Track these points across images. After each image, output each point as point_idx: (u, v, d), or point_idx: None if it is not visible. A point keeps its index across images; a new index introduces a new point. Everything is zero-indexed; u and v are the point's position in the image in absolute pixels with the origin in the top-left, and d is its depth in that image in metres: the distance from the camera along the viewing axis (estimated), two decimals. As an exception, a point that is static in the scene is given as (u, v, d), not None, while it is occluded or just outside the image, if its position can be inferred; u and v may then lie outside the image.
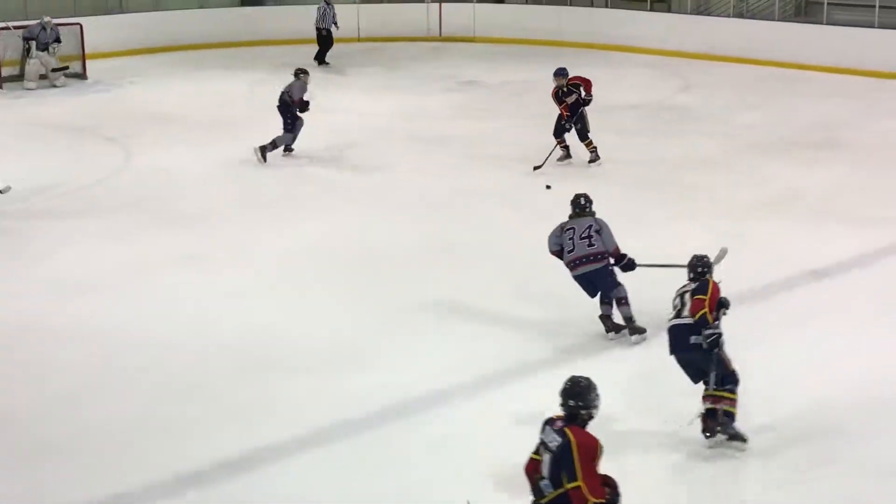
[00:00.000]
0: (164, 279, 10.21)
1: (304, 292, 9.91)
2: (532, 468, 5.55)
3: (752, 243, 10.63)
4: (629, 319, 8.70)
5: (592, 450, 5.32)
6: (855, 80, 19.44)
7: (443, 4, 24.43)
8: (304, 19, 24.37)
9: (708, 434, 7.05)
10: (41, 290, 9.98)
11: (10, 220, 11.76)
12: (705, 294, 7.07)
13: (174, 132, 16.07)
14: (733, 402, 7.01)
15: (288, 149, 14.33)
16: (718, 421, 7.01)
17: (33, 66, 19.12)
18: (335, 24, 21.99)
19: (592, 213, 8.87)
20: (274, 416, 7.67)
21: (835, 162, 14.15)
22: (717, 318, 7.05)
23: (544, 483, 5.40)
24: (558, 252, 8.83)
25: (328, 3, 22.11)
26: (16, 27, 19.83)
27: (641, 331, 8.68)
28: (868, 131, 15.83)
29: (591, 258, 8.65)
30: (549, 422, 5.50)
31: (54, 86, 19.16)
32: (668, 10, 23.90)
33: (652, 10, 23.29)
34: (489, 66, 21.27)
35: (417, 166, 14.14)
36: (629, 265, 8.82)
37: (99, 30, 20.25)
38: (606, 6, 24.07)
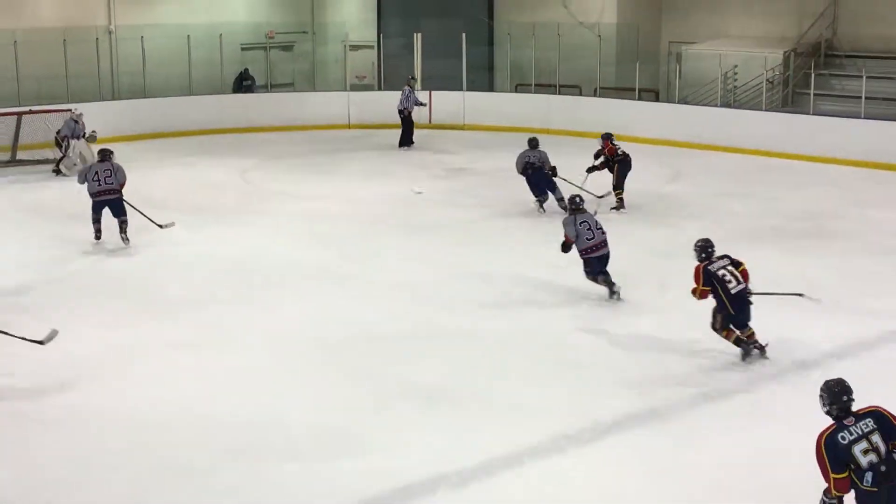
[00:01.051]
0: (153, 364, 10.19)
1: (295, 375, 9.90)
2: (847, 485, 5.87)
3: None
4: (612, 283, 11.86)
5: None
6: (841, 169, 19.74)
7: (433, 92, 24.81)
8: (293, 107, 24.83)
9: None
10: (30, 374, 9.94)
11: (-1, 304, 11.76)
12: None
13: (164, 217, 16.14)
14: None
15: None
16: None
17: (72, 157, 19.39)
18: (419, 104, 22.51)
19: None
20: (265, 501, 7.61)
21: (823, 250, 14.29)
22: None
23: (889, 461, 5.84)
24: (575, 237, 11.70)
25: (410, 87, 22.48)
26: (36, 112, 20.28)
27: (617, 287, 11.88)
28: (854, 220, 16.03)
29: (605, 243, 11.85)
30: (842, 427, 5.92)
31: (60, 172, 19.36)
32: (657, 100, 24.31)
33: (640, 99, 23.67)
34: (478, 154, 21.52)
35: (406, 252, 14.23)
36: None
37: (91, 115, 20.42)
38: (594, 95, 24.47)
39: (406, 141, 22.38)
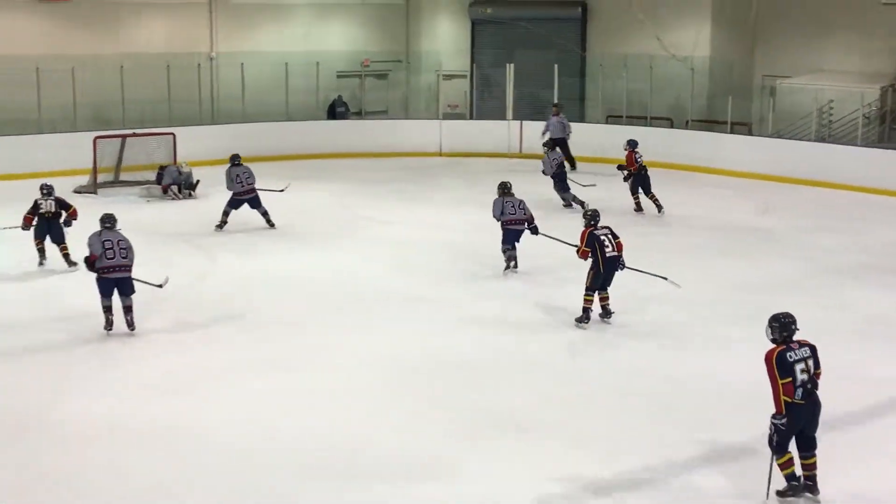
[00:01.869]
0: (244, 384, 10.43)
1: (383, 399, 10.05)
2: (792, 390, 7.66)
3: (835, 368, 10.52)
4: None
5: None
6: (938, 206, 19.37)
7: (523, 122, 24.95)
8: (386, 134, 25.18)
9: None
10: (127, 391, 10.27)
11: (100, 323, 12.11)
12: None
13: (259, 240, 16.53)
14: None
15: None
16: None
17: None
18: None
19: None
20: (349, 522, 7.74)
21: (916, 288, 14.05)
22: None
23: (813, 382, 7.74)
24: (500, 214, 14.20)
25: (559, 114, 23.17)
26: (138, 135, 20.95)
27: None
28: (951, 258, 15.72)
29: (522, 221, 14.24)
30: (789, 349, 7.73)
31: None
32: (749, 134, 24.11)
33: (732, 132, 23.51)
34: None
35: (496, 282, 14.30)
36: (535, 230, 14.36)
37: (191, 139, 21.00)
38: (686, 127, 24.36)
39: (573, 163, 22.81)
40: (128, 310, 11.89)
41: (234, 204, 17.14)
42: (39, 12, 24.08)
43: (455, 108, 27.74)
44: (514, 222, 14.37)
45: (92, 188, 20.14)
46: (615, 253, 12.07)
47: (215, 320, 12.50)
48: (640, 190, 18.56)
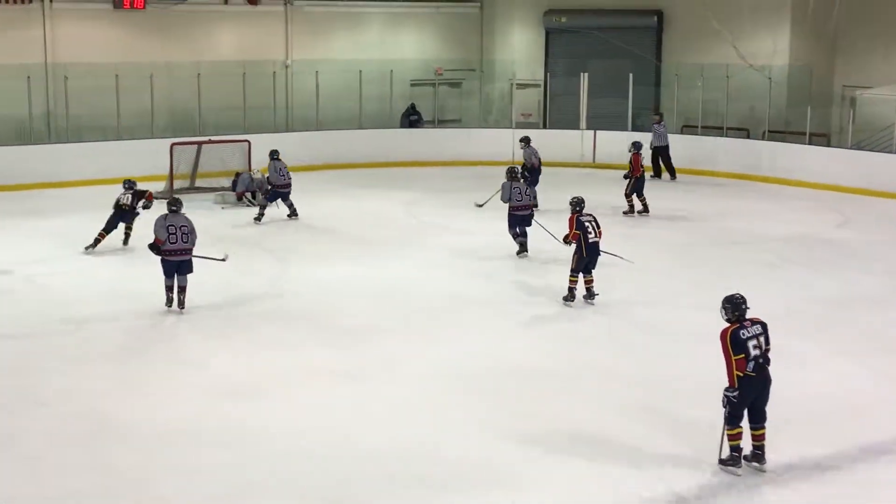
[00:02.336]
0: (315, 390, 10.46)
1: (453, 407, 9.99)
2: (744, 365, 8.31)
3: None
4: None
5: None
6: None
7: (597, 132, 24.79)
8: (459, 142, 25.19)
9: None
10: (196, 394, 10.33)
11: (170, 325, 12.22)
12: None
13: (331, 248, 16.59)
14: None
15: None
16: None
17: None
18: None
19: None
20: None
21: None
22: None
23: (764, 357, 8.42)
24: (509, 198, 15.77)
25: (661, 122, 23.12)
26: (214, 142, 21.26)
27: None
28: None
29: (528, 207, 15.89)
30: (742, 327, 8.38)
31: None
32: (828, 145, 23.68)
33: (810, 143, 23.11)
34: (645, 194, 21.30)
35: (562, 291, 14.16)
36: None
37: (265, 146, 21.09)
38: (763, 138, 24.01)
39: (660, 173, 22.80)
40: (182, 290, 12.79)
41: (272, 196, 18.33)
42: (117, 21, 24.53)
43: (528, 117, 27.66)
44: (521, 208, 15.69)
45: (168, 194, 20.28)
46: (597, 239, 13.22)
47: (287, 326, 12.55)
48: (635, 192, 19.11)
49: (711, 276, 14.39)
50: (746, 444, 8.53)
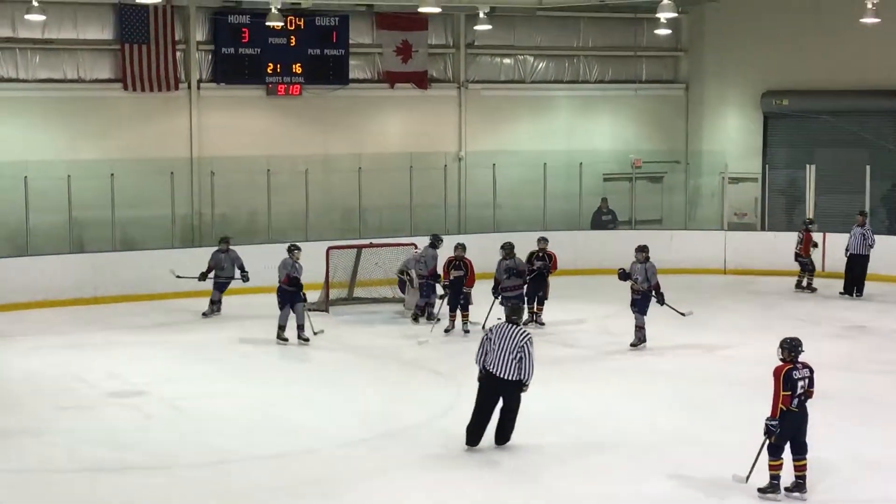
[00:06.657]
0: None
1: None
2: (789, 401, 10.81)
3: None
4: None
5: None
6: None
7: (826, 234, 24.14)
8: (661, 246, 24.87)
9: None
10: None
11: (331, 459, 12.32)
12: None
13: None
14: None
15: None
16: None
17: (412, 296, 20.47)
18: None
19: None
20: None
21: None
22: None
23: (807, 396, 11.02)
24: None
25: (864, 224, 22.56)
26: (375, 245, 21.73)
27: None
28: None
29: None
30: (795, 368, 10.87)
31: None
32: None
33: None
34: (880, 308, 20.62)
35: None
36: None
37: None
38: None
39: (851, 289, 22.14)
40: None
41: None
42: (269, 109, 25.29)
43: (743, 217, 27.22)
44: (510, 289, 18.60)
45: (324, 305, 20.67)
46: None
47: (461, 462, 12.46)
48: None
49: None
50: (787, 475, 10.73)
